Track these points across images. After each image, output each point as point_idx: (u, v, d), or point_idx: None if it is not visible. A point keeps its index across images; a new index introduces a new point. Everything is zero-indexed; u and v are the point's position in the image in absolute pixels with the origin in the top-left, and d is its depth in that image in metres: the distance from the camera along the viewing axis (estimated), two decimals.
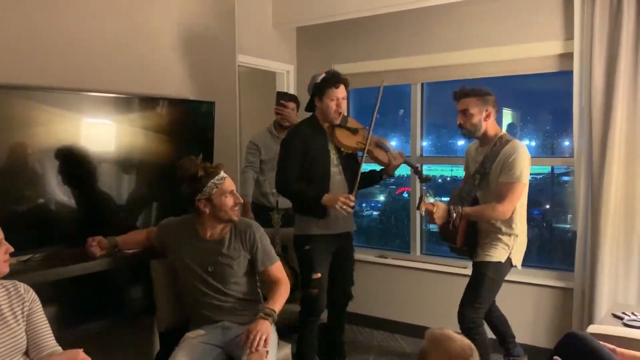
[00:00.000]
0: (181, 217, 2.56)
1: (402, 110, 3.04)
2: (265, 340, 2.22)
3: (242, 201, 2.48)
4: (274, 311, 2.33)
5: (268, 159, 3.81)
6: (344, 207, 2.81)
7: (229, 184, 2.42)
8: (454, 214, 2.69)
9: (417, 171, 3.28)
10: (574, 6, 3.20)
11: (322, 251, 3.00)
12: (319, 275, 2.97)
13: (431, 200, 2.73)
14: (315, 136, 2.98)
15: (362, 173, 3.01)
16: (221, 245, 2.44)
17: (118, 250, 2.56)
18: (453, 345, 1.58)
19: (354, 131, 3.08)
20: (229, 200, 2.40)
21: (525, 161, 2.71)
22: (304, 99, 3.19)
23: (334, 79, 2.94)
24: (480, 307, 2.80)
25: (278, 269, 2.50)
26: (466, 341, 1.61)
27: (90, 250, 2.48)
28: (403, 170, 4.45)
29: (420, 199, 2.73)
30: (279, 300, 2.41)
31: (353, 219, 3.18)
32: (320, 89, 2.95)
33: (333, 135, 3.02)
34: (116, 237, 2.58)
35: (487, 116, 2.78)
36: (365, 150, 2.98)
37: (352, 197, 2.85)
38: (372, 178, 3.22)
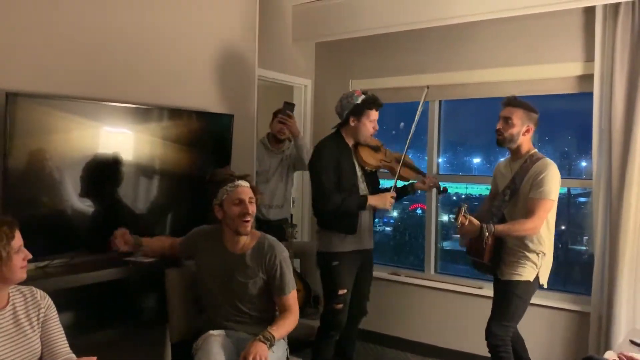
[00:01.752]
0: (213, 225, 2.56)
1: (402, 124, 3.11)
2: None
3: (251, 212, 2.39)
4: (274, 337, 2.26)
5: (261, 171, 3.79)
6: (390, 204, 3.01)
7: (240, 192, 2.39)
8: (486, 233, 2.67)
9: (439, 190, 3.30)
10: (595, 28, 3.19)
11: (349, 267, 3.02)
12: (345, 291, 2.99)
13: (464, 211, 2.71)
14: (342, 153, 3.02)
15: (386, 189, 3.10)
16: (241, 261, 2.42)
17: (141, 250, 2.58)
18: None
19: (376, 149, 3.15)
20: (236, 209, 2.37)
21: (555, 179, 2.70)
22: (320, 111, 3.21)
23: (375, 102, 3.01)
24: (508, 326, 2.78)
25: (292, 298, 2.44)
26: None
27: (114, 243, 2.49)
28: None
29: (459, 210, 2.70)
30: (282, 328, 2.35)
31: (372, 236, 3.19)
32: (359, 109, 2.99)
33: (357, 153, 3.07)
34: (142, 238, 2.59)
35: (527, 131, 2.78)
36: (398, 171, 3.11)
37: (393, 194, 3.03)
38: (400, 193, 3.25)
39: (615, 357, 2.18)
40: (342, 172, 2.97)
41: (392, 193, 3.04)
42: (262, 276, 2.42)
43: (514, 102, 2.81)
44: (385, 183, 3.38)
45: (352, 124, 3.02)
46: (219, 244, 2.47)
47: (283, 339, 2.47)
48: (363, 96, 3.01)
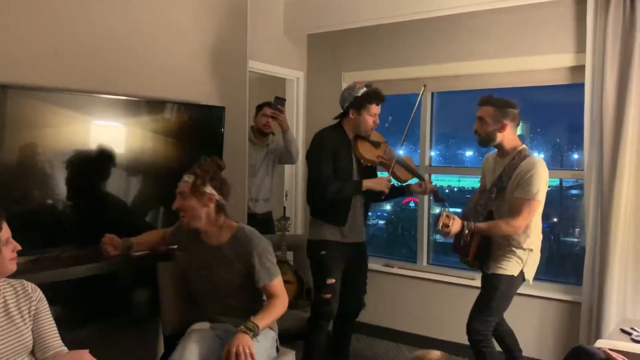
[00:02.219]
0: None
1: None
2: (252, 354, 2.14)
3: (175, 207, 2.34)
4: (257, 327, 2.23)
5: (248, 165, 3.75)
6: (386, 188, 2.97)
7: (180, 186, 2.35)
8: (466, 230, 2.68)
9: (437, 197, 3.28)
10: (586, 19, 3.20)
11: (337, 258, 3.01)
12: (333, 280, 2.98)
13: (446, 213, 2.71)
14: (341, 145, 3.01)
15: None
16: (219, 253, 2.40)
17: (132, 251, 2.57)
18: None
19: (376, 144, 3.12)
20: (176, 201, 2.35)
21: (542, 178, 2.67)
22: (312, 104, 3.19)
23: (377, 96, 2.98)
24: (489, 320, 2.78)
25: (276, 285, 2.39)
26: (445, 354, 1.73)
27: (103, 249, 2.49)
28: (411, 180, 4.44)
29: (439, 215, 2.71)
30: (267, 317, 2.31)
31: (364, 230, 3.20)
32: (360, 102, 2.96)
33: (355, 147, 3.05)
34: (130, 239, 2.58)
35: (502, 128, 2.74)
36: (392, 168, 3.08)
37: (389, 178, 3.03)
38: (390, 193, 3.22)
39: (605, 348, 2.19)
40: (338, 163, 2.96)
41: (389, 177, 3.03)
42: (241, 267, 2.38)
43: (484, 100, 2.81)
44: None
45: (351, 116, 3.00)
46: (197, 237, 2.46)
47: (272, 329, 2.46)
48: (365, 89, 2.97)
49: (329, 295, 2.97)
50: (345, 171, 3.00)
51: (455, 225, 2.69)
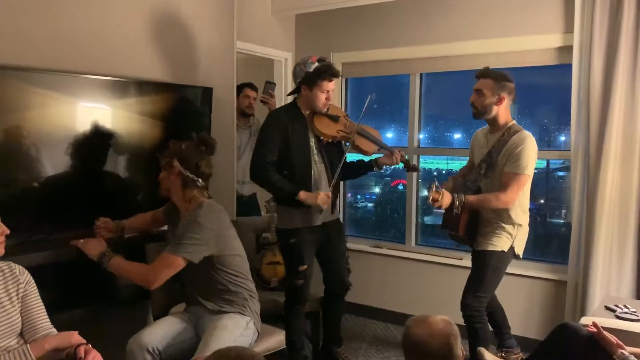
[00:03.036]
0: None
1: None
2: None
3: (158, 178, 2.42)
4: (108, 257, 2.29)
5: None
6: (324, 205, 2.80)
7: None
8: (457, 202, 2.70)
9: (408, 166, 3.21)
10: None
11: (307, 243, 2.97)
12: (306, 267, 2.96)
13: (435, 187, 2.72)
14: (295, 124, 2.90)
15: (348, 163, 2.95)
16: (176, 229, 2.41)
17: (125, 234, 2.58)
18: (434, 319, 1.68)
19: (335, 119, 3.01)
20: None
21: (532, 153, 2.70)
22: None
23: (329, 72, 2.85)
24: (483, 297, 2.82)
25: (163, 257, 2.29)
26: (445, 317, 1.69)
27: (97, 232, 2.49)
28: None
29: (429, 189, 2.72)
30: (125, 266, 2.30)
31: (338, 206, 3.12)
32: (312, 79, 2.85)
33: (312, 123, 2.95)
34: (123, 221, 2.59)
35: (499, 101, 2.76)
36: (352, 140, 2.95)
37: (329, 194, 2.83)
38: (358, 168, 3.19)
39: (589, 323, 2.24)
40: (292, 146, 2.86)
41: (327, 192, 2.85)
42: None
43: (483, 73, 2.81)
44: (352, 157, 3.28)
45: (303, 92, 2.91)
46: (177, 215, 2.49)
47: (243, 314, 2.41)
48: (316, 64, 2.84)
49: (301, 281, 2.96)
50: (301, 151, 2.88)
51: (445, 198, 2.70)
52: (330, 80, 2.87)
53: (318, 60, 2.88)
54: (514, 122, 2.83)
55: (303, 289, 3.00)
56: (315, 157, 2.96)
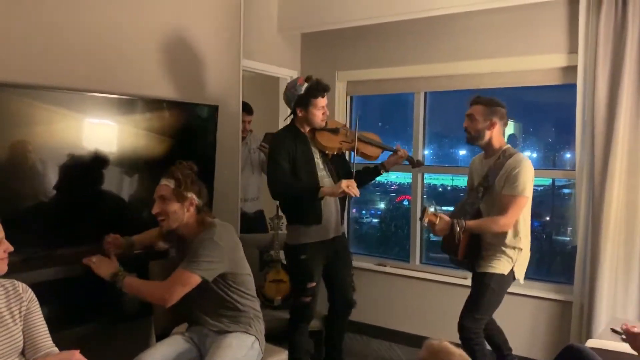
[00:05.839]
0: None
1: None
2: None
3: (156, 212, 2.33)
4: (122, 276, 2.27)
5: None
6: (351, 188, 2.74)
7: (159, 190, 2.35)
8: (457, 228, 2.70)
9: (412, 162, 3.26)
10: (578, 19, 3.21)
11: (317, 260, 2.99)
12: (314, 284, 2.97)
13: (432, 210, 2.73)
14: (297, 144, 2.95)
15: (356, 171, 3.00)
16: (186, 249, 2.38)
17: (134, 250, 2.56)
18: (452, 359, 1.57)
19: (334, 131, 3.07)
20: (156, 205, 2.35)
21: (528, 175, 2.72)
22: None
23: (320, 89, 2.91)
24: (480, 319, 2.80)
25: (178, 274, 2.26)
26: (465, 356, 1.59)
27: (106, 248, 2.47)
28: (404, 179, 4.46)
29: (424, 210, 2.73)
30: (141, 285, 2.31)
31: (340, 221, 3.13)
32: (305, 99, 2.90)
33: (314, 140, 3.01)
34: (133, 237, 2.58)
35: (491, 126, 2.80)
36: (355, 148, 3.02)
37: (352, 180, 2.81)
38: (366, 175, 3.20)
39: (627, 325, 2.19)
40: (298, 162, 2.90)
41: (349, 181, 2.83)
42: None
43: (474, 100, 2.87)
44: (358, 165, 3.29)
45: (300, 114, 2.96)
46: (177, 237, 2.48)
47: (249, 333, 2.40)
48: (306, 84, 2.90)
49: (309, 299, 2.96)
50: (308, 167, 2.93)
51: (441, 223, 2.70)
52: (323, 97, 2.93)
53: (305, 80, 2.93)
54: (509, 145, 2.87)
55: (309, 307, 2.99)
56: (321, 172, 3.00)
